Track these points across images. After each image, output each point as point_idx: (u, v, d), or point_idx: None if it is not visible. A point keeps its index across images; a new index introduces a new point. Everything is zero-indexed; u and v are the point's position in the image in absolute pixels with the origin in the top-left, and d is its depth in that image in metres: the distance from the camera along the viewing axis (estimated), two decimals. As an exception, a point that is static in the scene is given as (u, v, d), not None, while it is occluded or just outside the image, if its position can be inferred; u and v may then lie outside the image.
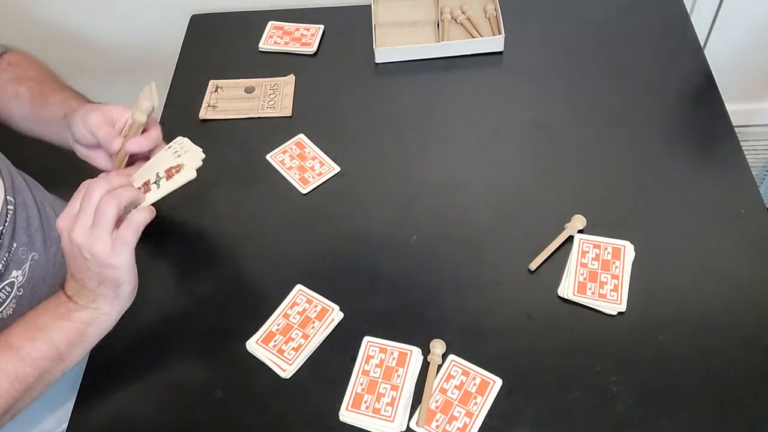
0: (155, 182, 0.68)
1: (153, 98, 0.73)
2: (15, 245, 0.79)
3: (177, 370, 0.75)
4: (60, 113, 0.80)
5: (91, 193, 0.64)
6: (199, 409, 0.71)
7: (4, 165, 0.84)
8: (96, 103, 0.80)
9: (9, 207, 0.80)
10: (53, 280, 0.83)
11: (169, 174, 0.68)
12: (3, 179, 0.81)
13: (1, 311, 0.77)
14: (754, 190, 0.82)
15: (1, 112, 0.87)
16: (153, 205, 0.67)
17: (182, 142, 0.71)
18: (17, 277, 0.79)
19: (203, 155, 0.69)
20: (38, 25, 1.18)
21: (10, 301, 0.78)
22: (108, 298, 0.66)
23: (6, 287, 0.77)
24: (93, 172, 1.42)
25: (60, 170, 1.30)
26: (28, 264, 0.80)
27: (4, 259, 0.77)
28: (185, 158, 0.69)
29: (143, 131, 0.74)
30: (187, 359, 0.75)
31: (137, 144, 0.73)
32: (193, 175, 0.68)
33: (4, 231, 0.78)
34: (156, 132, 0.75)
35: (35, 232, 0.82)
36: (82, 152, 0.79)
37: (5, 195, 0.80)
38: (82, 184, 0.66)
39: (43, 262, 0.82)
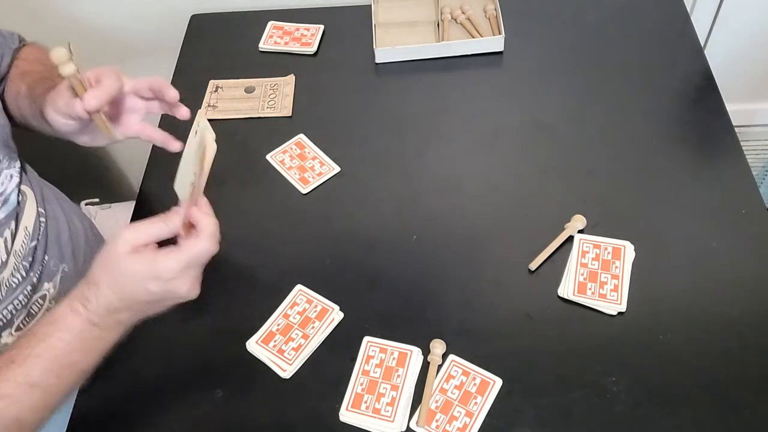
0: (192, 182, 0.61)
1: (63, 52, 0.63)
2: (47, 257, 0.78)
3: (177, 369, 0.75)
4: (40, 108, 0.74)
5: (206, 255, 0.60)
6: (199, 409, 0.71)
7: (33, 176, 0.83)
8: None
9: (41, 219, 0.79)
10: None
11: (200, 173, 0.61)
12: (33, 190, 0.80)
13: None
14: (754, 190, 0.82)
15: (16, 114, 0.83)
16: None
17: (198, 121, 0.62)
18: (49, 289, 0.78)
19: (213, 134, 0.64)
20: (36, 23, 1.18)
21: (43, 314, 0.77)
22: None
23: (38, 300, 0.76)
24: (118, 176, 1.42)
25: (84, 177, 1.30)
26: (59, 276, 0.79)
27: (38, 271, 0.76)
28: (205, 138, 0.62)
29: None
30: (187, 359, 0.75)
31: (94, 99, 0.64)
32: (213, 147, 0.62)
33: (37, 245, 0.77)
34: (109, 80, 0.66)
35: (65, 244, 0.81)
36: (82, 139, 0.75)
37: (37, 207, 0.79)
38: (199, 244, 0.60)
39: (72, 275, 0.81)
